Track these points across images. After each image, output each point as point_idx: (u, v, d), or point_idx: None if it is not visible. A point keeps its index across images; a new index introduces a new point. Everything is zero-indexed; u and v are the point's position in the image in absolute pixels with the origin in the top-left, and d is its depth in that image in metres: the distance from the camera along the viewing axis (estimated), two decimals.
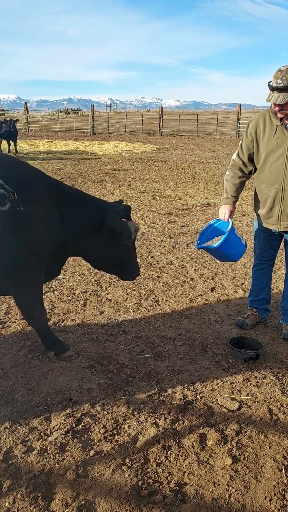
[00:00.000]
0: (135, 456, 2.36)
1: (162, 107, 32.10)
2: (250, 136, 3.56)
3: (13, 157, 3.22)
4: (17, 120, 19.18)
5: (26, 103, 33.45)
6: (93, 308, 4.31)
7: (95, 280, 5.05)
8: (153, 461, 2.34)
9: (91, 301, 4.47)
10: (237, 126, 30.04)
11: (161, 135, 30.93)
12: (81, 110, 72.00)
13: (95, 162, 16.33)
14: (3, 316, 4.04)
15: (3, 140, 18.38)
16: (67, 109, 68.63)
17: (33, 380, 3.04)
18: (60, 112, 58.49)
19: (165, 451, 2.41)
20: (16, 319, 3.99)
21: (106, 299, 4.55)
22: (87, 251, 3.38)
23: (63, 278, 5.07)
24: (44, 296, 4.48)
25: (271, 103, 3.28)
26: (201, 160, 17.69)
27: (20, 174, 3.01)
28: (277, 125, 3.40)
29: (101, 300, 4.52)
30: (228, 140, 28.11)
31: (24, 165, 3.18)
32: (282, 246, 3.94)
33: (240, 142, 3.69)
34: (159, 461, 2.33)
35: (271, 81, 3.20)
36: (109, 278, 5.13)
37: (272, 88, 3.19)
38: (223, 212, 3.72)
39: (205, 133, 32.77)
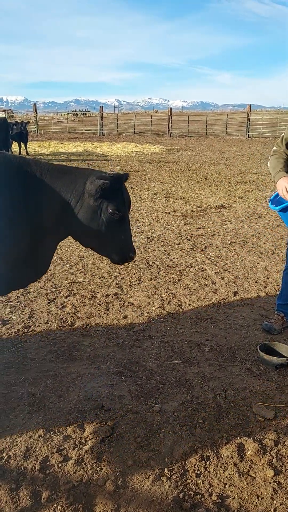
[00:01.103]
0: (174, 467, 2.31)
1: (171, 108, 32.00)
2: None
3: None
4: (28, 122, 19.25)
5: (35, 104, 33.58)
6: (116, 312, 4.27)
7: (116, 284, 5.01)
8: (192, 471, 2.29)
9: (113, 305, 4.43)
10: (246, 126, 29.91)
11: (170, 136, 30.87)
12: (89, 111, 72.15)
13: (106, 163, 16.31)
14: (27, 320, 4.01)
15: (13, 141, 18.43)
16: (75, 111, 68.81)
17: (63, 386, 3.00)
18: (68, 113, 58.63)
19: (203, 461, 2.35)
20: (40, 323, 3.96)
21: (129, 302, 4.50)
22: (73, 228, 2.91)
23: (84, 281, 5.03)
24: (66, 300, 4.47)
25: None
26: (212, 161, 17.61)
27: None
28: None
29: (123, 303, 4.48)
30: (238, 141, 27.98)
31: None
32: None
33: (282, 135, 3.59)
34: (199, 472, 2.28)
35: None
36: (130, 281, 5.08)
37: None
38: (284, 184, 3.25)
39: (214, 134, 32.67)
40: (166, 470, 2.28)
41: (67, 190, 2.82)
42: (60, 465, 2.30)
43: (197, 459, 2.36)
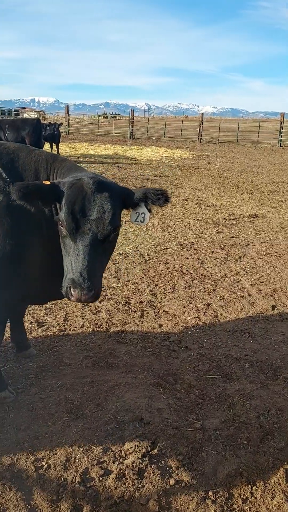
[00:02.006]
0: (218, 489, 2.21)
1: (202, 114, 31.88)
2: None
3: (29, 146, 2.76)
4: (61, 124, 19.48)
5: (67, 106, 34.00)
6: (151, 320, 4.19)
7: (150, 290, 4.93)
8: (238, 496, 2.18)
9: (148, 313, 4.35)
10: (279, 135, 29.47)
11: (200, 142, 30.72)
12: (119, 114, 72.69)
13: (136, 167, 16.31)
14: (62, 323, 3.97)
15: (45, 142, 18.66)
16: (105, 113, 69.46)
17: (100, 394, 2.94)
18: (99, 116, 59.22)
19: (249, 486, 2.24)
20: (75, 327, 3.92)
21: (163, 311, 4.42)
22: None
23: (117, 287, 4.98)
24: (100, 304, 4.42)
25: None
26: (243, 169, 17.39)
27: (24, 163, 2.56)
28: None
29: (158, 312, 4.40)
30: (270, 149, 27.60)
31: (37, 154, 2.63)
32: None
33: None
34: (245, 497, 2.18)
35: None
36: (164, 289, 5.00)
37: None
38: None
39: (245, 141, 32.34)
40: (210, 493, 2.18)
41: None
42: (101, 478, 2.23)
43: (242, 483, 2.25)
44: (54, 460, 2.34)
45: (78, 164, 2.82)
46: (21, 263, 2.51)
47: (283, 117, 30.29)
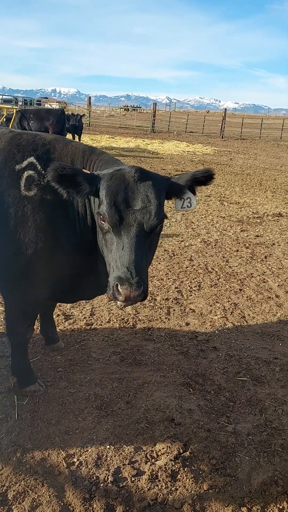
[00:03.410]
0: (253, 497, 2.16)
1: (225, 109, 31.48)
2: None
3: (66, 138, 2.66)
4: (84, 115, 19.43)
5: (89, 97, 33.93)
6: (177, 318, 4.13)
7: (175, 287, 4.87)
8: (274, 505, 2.12)
9: (174, 310, 4.29)
10: None
11: (222, 137, 30.37)
12: (140, 107, 72.33)
13: (157, 162, 16.20)
14: (89, 317, 3.94)
15: (68, 133, 18.66)
16: (127, 106, 69.21)
17: (130, 392, 2.90)
18: (120, 108, 59.04)
19: (285, 495, 2.18)
20: (102, 322, 3.88)
21: (190, 309, 4.35)
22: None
23: None
24: None
25: None
26: (266, 166, 17.13)
27: (60, 155, 2.45)
28: None
29: (184, 309, 4.33)
30: None
31: (73, 146, 2.54)
32: None
33: None
34: (281, 507, 2.12)
35: None
36: (189, 286, 4.94)
37: None
38: None
39: (268, 138, 31.86)
40: (246, 500, 2.13)
41: None
42: (133, 479, 2.20)
43: (278, 492, 2.19)
44: (85, 457, 2.31)
45: None
46: (53, 261, 2.44)
47: None
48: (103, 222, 2.05)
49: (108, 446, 2.40)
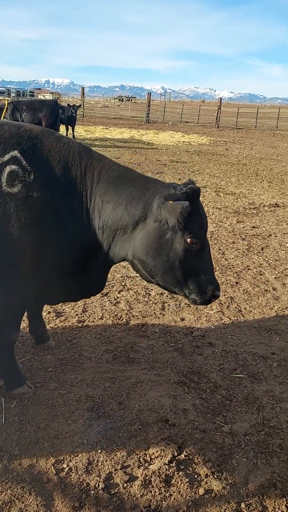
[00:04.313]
0: (251, 501, 2.07)
1: (221, 99, 31.20)
2: None
3: (55, 132, 2.51)
4: (79, 106, 19.17)
5: (83, 88, 33.53)
6: (172, 313, 4.03)
7: None
8: (272, 509, 2.04)
9: (169, 305, 4.19)
10: None
11: (218, 127, 30.12)
12: (134, 97, 71.67)
13: (152, 152, 16.02)
14: (81, 314, 3.84)
15: (61, 124, 18.41)
16: (121, 96, 68.53)
17: (122, 392, 2.80)
18: (114, 98, 58.47)
19: (284, 498, 2.10)
20: (95, 319, 3.78)
21: (185, 304, 4.25)
22: (131, 256, 2.37)
23: (136, 276, 4.82)
24: (119, 295, 4.27)
25: None
26: (262, 156, 16.98)
27: (50, 152, 2.33)
28: None
29: (179, 304, 4.23)
30: None
31: (65, 143, 2.42)
32: None
33: None
34: (280, 511, 2.03)
35: None
36: None
37: None
38: None
39: (264, 127, 31.63)
40: (243, 505, 2.04)
41: (123, 205, 2.32)
42: (125, 485, 2.11)
43: (277, 495, 2.11)
44: (75, 462, 2.21)
45: (94, 148, 2.64)
46: (40, 261, 2.34)
47: None
48: (194, 245, 2.24)
49: (99, 450, 2.30)
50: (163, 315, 3.98)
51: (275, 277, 5.10)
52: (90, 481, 2.11)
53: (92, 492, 2.05)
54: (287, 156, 17.09)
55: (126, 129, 24.67)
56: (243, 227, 7.20)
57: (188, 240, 2.20)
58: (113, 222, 2.35)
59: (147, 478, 2.15)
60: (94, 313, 3.88)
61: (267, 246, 6.28)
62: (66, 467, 2.18)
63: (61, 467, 2.18)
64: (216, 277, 4.97)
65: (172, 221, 2.17)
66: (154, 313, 4.00)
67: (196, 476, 2.19)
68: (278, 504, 2.07)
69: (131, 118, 33.15)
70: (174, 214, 2.15)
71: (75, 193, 2.38)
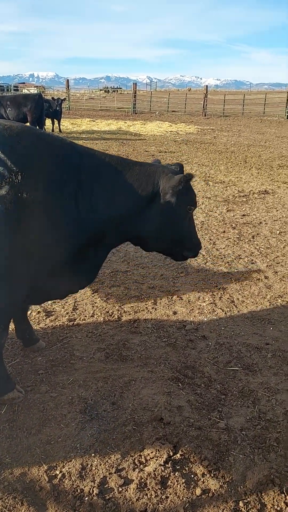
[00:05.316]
0: (249, 499, 2.03)
1: (207, 86, 30.93)
2: None
3: (37, 129, 2.50)
4: (64, 99, 18.90)
5: (68, 81, 33.09)
6: (164, 307, 3.97)
7: (161, 275, 4.70)
8: (271, 507, 2.00)
9: (161, 299, 4.13)
10: (286, 106, 28.63)
11: (205, 115, 29.92)
12: (120, 88, 70.97)
13: (140, 143, 15.86)
14: (72, 312, 3.76)
15: (47, 118, 18.15)
16: (107, 87, 67.80)
17: (115, 391, 2.74)
18: (100, 90, 57.84)
19: (283, 495, 2.06)
20: (86, 316, 3.71)
21: (177, 297, 4.19)
22: (139, 234, 2.65)
23: (127, 271, 4.75)
24: (110, 291, 4.21)
25: None
26: (250, 142, 16.88)
27: (32, 149, 2.27)
28: None
29: (171, 297, 4.17)
30: (277, 122, 26.86)
31: (49, 140, 2.40)
32: None
33: None
34: (279, 508, 1.99)
35: None
36: (176, 272, 4.77)
37: None
38: None
39: (251, 114, 31.48)
40: (241, 504, 2.00)
41: (133, 190, 2.51)
42: (120, 489, 2.05)
43: (275, 491, 2.07)
44: (69, 468, 2.15)
45: (81, 141, 2.63)
46: (31, 264, 2.30)
47: None
48: (193, 208, 2.74)
49: (93, 454, 2.24)
50: (155, 309, 3.92)
51: (267, 265, 5.06)
52: (84, 487, 2.06)
53: (86, 498, 1.99)
54: (275, 142, 17.01)
55: (113, 121, 24.42)
56: (233, 216, 7.14)
57: (188, 206, 2.66)
58: (124, 209, 2.52)
59: (142, 480, 2.09)
60: (85, 310, 3.81)
61: (257, 234, 6.23)
62: (59, 473, 2.12)
63: (54, 474, 2.12)
64: (208, 268, 4.95)
65: (174, 187, 2.52)
66: (146, 308, 3.94)
67: (192, 476, 2.14)
68: (277, 500, 2.02)
69: (118, 110, 32.82)
70: (176, 181, 2.52)
71: (68, 190, 2.34)
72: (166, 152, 13.91)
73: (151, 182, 2.56)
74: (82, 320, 3.65)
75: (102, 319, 3.68)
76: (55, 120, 18.05)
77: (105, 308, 3.86)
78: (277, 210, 7.52)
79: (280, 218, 7.07)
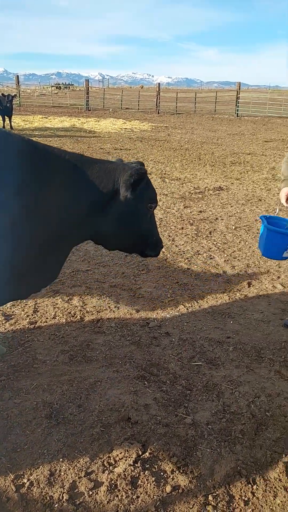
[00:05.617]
0: (218, 492, 2.07)
1: (159, 84, 31.05)
2: None
3: None
4: (15, 95, 18.37)
5: (17, 76, 32.20)
6: (127, 305, 3.97)
7: (122, 273, 4.69)
8: (239, 498, 2.04)
9: (123, 297, 4.12)
10: (236, 105, 29.35)
11: (158, 113, 30.11)
12: (72, 84, 69.97)
13: (95, 141, 15.73)
14: (32, 315, 3.67)
15: None
16: (58, 84, 66.58)
17: (81, 394, 2.71)
18: (52, 86, 56.71)
19: (250, 485, 2.11)
20: (47, 318, 3.63)
21: (139, 294, 4.20)
22: (100, 232, 2.61)
23: (88, 270, 4.70)
24: (71, 291, 4.15)
25: None
26: (203, 140, 17.17)
27: None
28: None
29: (133, 295, 4.17)
30: (227, 119, 27.48)
31: (2, 134, 2.39)
32: None
33: None
34: (246, 499, 2.04)
35: None
36: (137, 269, 4.78)
37: None
38: (282, 195, 3.45)
39: (203, 112, 32.02)
40: (210, 497, 2.03)
41: (94, 187, 2.47)
42: (90, 492, 2.03)
43: (242, 482, 2.12)
44: (36, 475, 2.10)
45: (34, 139, 2.61)
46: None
47: (239, 86, 30.15)
48: (151, 209, 2.70)
49: (61, 459, 2.20)
50: (118, 308, 3.90)
51: (225, 260, 5.17)
52: (54, 493, 2.02)
53: (56, 505, 1.95)
54: (226, 140, 17.40)
55: (66, 118, 24.05)
56: (191, 212, 7.24)
57: (149, 203, 2.63)
58: (85, 207, 2.47)
59: (112, 482, 2.08)
60: (46, 312, 3.73)
61: (214, 229, 6.35)
62: (27, 481, 2.07)
63: (21, 483, 2.06)
64: (168, 264, 4.99)
65: (129, 184, 2.47)
66: (109, 306, 3.91)
67: (162, 473, 2.15)
68: (244, 491, 2.08)
69: (71, 106, 32.34)
70: (133, 176, 2.47)
71: (28, 188, 2.26)
72: (121, 149, 13.88)
73: (112, 179, 2.52)
74: (44, 322, 3.58)
75: (64, 320, 3.62)
76: (6, 117, 17.52)
77: (67, 309, 3.80)
78: (231, 206, 7.70)
79: (234, 213, 7.25)
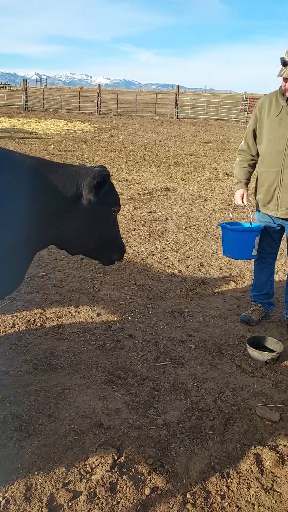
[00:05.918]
0: (195, 489, 2.11)
1: (99, 85, 30.94)
2: (255, 117, 3.52)
3: None
4: None
5: None
6: (87, 309, 3.93)
7: (79, 276, 4.64)
8: (216, 493, 2.11)
9: (82, 301, 4.08)
10: (175, 107, 29.92)
11: (100, 114, 29.99)
12: (9, 84, 67.79)
13: (38, 142, 15.38)
14: None
15: None
16: None
17: (50, 403, 2.65)
18: None
19: (224, 479, 2.18)
20: (6, 327, 3.51)
21: (98, 297, 4.18)
22: (63, 237, 2.59)
23: (44, 275, 4.60)
24: (28, 298, 4.05)
25: (282, 77, 3.18)
26: (146, 141, 17.35)
27: None
28: (282, 106, 3.31)
29: (93, 299, 4.14)
30: (168, 121, 27.95)
31: None
32: (284, 239, 3.81)
33: (248, 125, 3.59)
34: (222, 493, 2.11)
35: (283, 56, 3.12)
36: (94, 272, 4.75)
37: (285, 63, 3.10)
38: (237, 197, 3.63)
39: (143, 113, 32.32)
40: (188, 495, 2.07)
41: (57, 191, 2.42)
42: (70, 504, 1.99)
43: (217, 477, 2.18)
44: (12, 492, 2.03)
45: None
46: None
47: (178, 89, 30.77)
48: (115, 212, 2.69)
49: (36, 472, 2.15)
50: (79, 312, 3.86)
51: (179, 260, 5.28)
52: (32, 508, 1.96)
53: None
54: (169, 141, 17.70)
55: (5, 118, 23.27)
56: (141, 213, 7.30)
57: (112, 208, 2.62)
58: (48, 212, 2.43)
59: (91, 490, 2.06)
60: (4, 321, 3.60)
61: (166, 230, 6.46)
62: (2, 500, 1.99)
63: None
64: (124, 266, 5.00)
65: (92, 186, 2.43)
66: (69, 312, 3.86)
67: (139, 476, 2.16)
68: (219, 486, 2.14)
69: (8, 106, 31.31)
70: (94, 179, 2.44)
71: None
72: (65, 151, 13.68)
73: (75, 183, 2.48)
74: (3, 332, 3.46)
75: (24, 328, 3.52)
76: None
77: (26, 317, 3.69)
78: (179, 206, 7.86)
79: (183, 213, 7.41)
